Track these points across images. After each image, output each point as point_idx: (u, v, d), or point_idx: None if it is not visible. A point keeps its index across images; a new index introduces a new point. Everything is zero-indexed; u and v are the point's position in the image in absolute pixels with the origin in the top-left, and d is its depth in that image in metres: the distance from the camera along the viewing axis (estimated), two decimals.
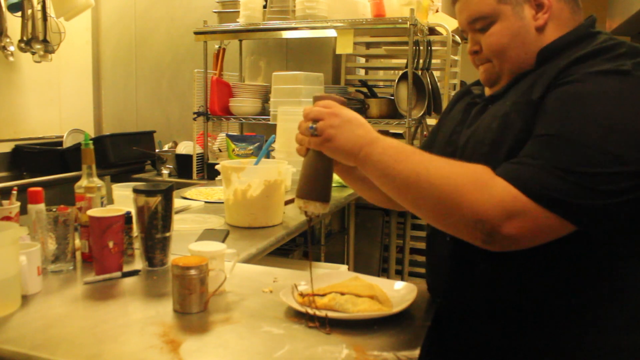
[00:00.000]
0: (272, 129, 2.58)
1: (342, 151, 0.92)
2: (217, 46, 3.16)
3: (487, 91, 1.10)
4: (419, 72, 2.68)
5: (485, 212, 0.81)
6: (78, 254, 1.26)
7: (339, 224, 3.21)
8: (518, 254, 0.86)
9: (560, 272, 0.91)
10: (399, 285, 1.07)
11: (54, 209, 1.19)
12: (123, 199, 1.45)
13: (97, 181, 1.31)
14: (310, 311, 0.94)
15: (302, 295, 0.99)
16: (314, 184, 0.95)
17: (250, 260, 1.41)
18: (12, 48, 2.97)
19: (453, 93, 3.25)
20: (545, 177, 0.80)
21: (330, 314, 0.93)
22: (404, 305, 0.97)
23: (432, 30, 2.91)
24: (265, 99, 3.04)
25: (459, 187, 0.83)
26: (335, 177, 2.86)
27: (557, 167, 0.80)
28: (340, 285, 1.01)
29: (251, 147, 2.73)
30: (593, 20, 1.00)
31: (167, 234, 1.22)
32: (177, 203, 1.68)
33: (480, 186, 0.82)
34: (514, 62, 0.99)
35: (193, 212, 1.88)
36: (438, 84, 2.83)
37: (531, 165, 0.82)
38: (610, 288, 0.91)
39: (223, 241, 1.44)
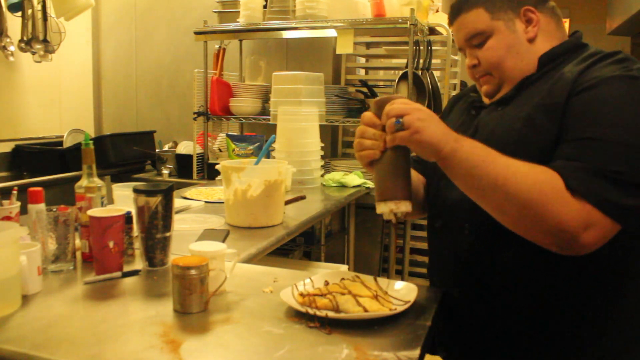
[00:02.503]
0: (272, 129, 2.58)
1: (429, 144, 0.92)
2: (217, 46, 3.16)
3: (487, 101, 1.16)
4: (419, 72, 2.68)
5: (567, 223, 0.87)
6: (78, 254, 1.26)
7: (339, 224, 3.21)
8: (540, 247, 0.91)
9: (584, 263, 0.94)
10: (399, 285, 1.07)
11: (54, 209, 1.19)
12: (123, 199, 1.45)
13: (97, 181, 1.31)
14: (311, 311, 0.94)
15: (302, 295, 0.99)
16: (401, 182, 0.96)
17: (250, 260, 1.41)
18: (12, 48, 2.97)
19: (453, 93, 3.25)
20: (600, 182, 0.87)
21: (331, 314, 0.93)
22: (404, 306, 0.97)
23: (432, 30, 2.91)
24: (266, 99, 3.04)
25: (543, 195, 0.88)
26: (336, 177, 2.85)
27: (607, 170, 0.87)
28: (341, 285, 1.01)
29: (251, 147, 2.73)
30: (581, 34, 1.12)
31: (168, 234, 1.22)
32: (177, 203, 1.68)
33: (561, 197, 0.88)
34: (512, 70, 1.08)
35: (193, 212, 1.88)
36: (438, 84, 2.82)
37: (587, 171, 0.88)
38: (635, 282, 0.96)
39: (223, 241, 1.44)
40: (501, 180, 0.89)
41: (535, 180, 0.89)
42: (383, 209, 0.95)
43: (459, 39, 1.14)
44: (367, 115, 0.98)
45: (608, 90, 0.93)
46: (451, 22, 1.15)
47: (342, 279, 1.05)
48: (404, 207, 0.94)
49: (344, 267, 2.35)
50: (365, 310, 0.93)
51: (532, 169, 0.91)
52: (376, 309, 0.94)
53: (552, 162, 0.92)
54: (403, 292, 1.04)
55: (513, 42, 1.07)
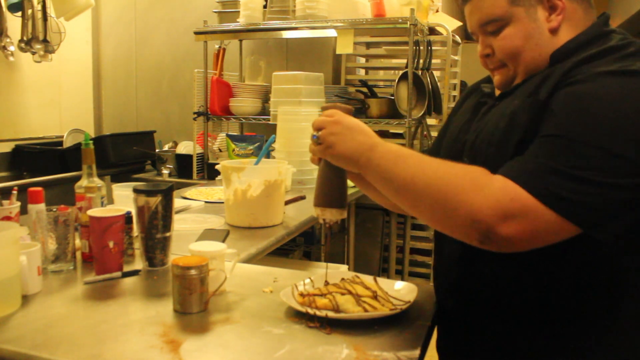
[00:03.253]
0: (272, 129, 2.59)
1: (343, 158, 0.94)
2: (217, 46, 3.16)
3: (498, 91, 1.09)
4: (419, 72, 2.68)
5: (480, 212, 0.80)
6: (78, 254, 1.26)
7: (339, 224, 3.21)
8: (527, 256, 0.85)
9: (571, 274, 0.90)
10: (399, 285, 1.07)
11: (54, 209, 1.19)
12: (123, 199, 1.45)
13: (97, 181, 1.31)
14: (311, 311, 0.94)
15: (302, 295, 0.99)
16: (327, 190, 0.98)
17: (250, 260, 1.41)
18: (12, 48, 2.97)
19: (454, 93, 3.25)
20: (547, 175, 0.79)
21: (330, 314, 0.93)
22: (404, 306, 0.97)
23: (432, 30, 2.91)
24: (265, 99, 3.04)
25: (455, 187, 0.83)
26: None
27: (559, 165, 0.79)
28: (341, 285, 1.01)
29: (251, 147, 2.73)
30: (606, 18, 0.98)
31: (167, 234, 1.22)
32: (177, 203, 1.68)
33: (477, 186, 0.82)
34: (529, 64, 0.98)
35: (193, 212, 1.88)
36: (438, 84, 2.83)
37: (533, 163, 0.82)
38: (622, 290, 0.91)
39: (223, 241, 1.44)
40: (409, 179, 0.87)
41: (448, 174, 0.85)
42: (315, 212, 0.99)
43: (471, 23, 1.03)
44: (315, 121, 0.98)
45: (593, 86, 0.83)
46: (464, 2, 1.03)
47: (342, 279, 1.05)
48: (330, 215, 0.98)
49: (344, 267, 2.35)
50: (366, 311, 0.93)
51: (446, 165, 0.87)
52: (376, 309, 0.94)
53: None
54: (403, 292, 1.04)
55: (533, 32, 0.96)
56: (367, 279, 1.06)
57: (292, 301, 0.98)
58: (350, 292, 0.97)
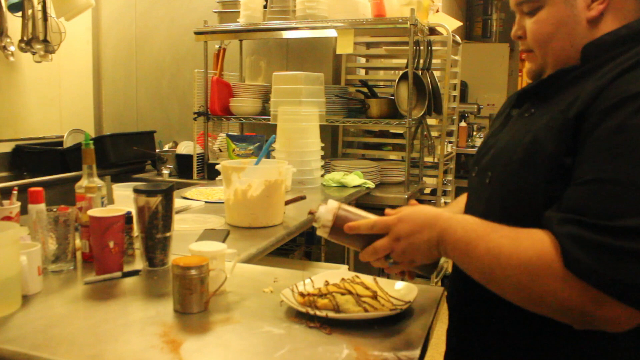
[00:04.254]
0: (272, 129, 2.59)
1: (425, 258, 0.92)
2: (217, 46, 3.16)
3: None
4: (420, 72, 2.68)
5: (570, 301, 0.74)
6: (78, 254, 1.26)
7: None
8: None
9: None
10: (399, 285, 1.07)
11: (55, 209, 1.19)
12: (123, 199, 1.45)
13: (97, 181, 1.31)
14: (311, 311, 0.94)
15: (302, 295, 0.99)
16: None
17: (250, 260, 1.41)
18: (12, 48, 2.97)
19: (453, 93, 3.25)
20: (614, 262, 0.70)
21: (331, 315, 0.93)
22: (404, 306, 0.97)
23: (432, 30, 2.91)
24: (266, 99, 3.04)
25: (535, 277, 0.77)
26: (336, 177, 2.86)
27: (615, 225, 0.71)
28: (341, 285, 1.01)
29: (251, 147, 2.73)
30: None
31: (168, 234, 1.22)
32: (178, 203, 1.68)
33: (556, 273, 0.74)
34: (558, 55, 0.90)
35: (193, 212, 1.88)
36: (438, 84, 2.83)
37: (593, 243, 0.72)
38: None
39: (223, 241, 1.44)
40: (487, 271, 0.82)
41: (522, 261, 0.77)
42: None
43: None
44: (369, 251, 0.96)
45: (633, 111, 0.74)
46: None
47: (342, 279, 1.05)
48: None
49: (343, 267, 2.35)
50: (366, 311, 0.93)
51: (517, 247, 0.79)
52: (376, 309, 0.94)
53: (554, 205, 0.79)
54: (403, 292, 1.04)
55: (567, 19, 0.87)
56: (367, 279, 1.06)
57: (292, 301, 0.98)
58: (350, 292, 0.97)
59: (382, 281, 1.06)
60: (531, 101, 0.95)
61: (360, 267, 3.05)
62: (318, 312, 0.94)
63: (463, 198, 1.17)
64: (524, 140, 0.87)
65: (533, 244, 0.78)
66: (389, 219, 0.93)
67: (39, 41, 3.06)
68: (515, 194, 0.88)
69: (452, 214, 0.90)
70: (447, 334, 1.09)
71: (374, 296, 0.97)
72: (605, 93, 0.79)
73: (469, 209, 1.05)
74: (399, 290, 1.04)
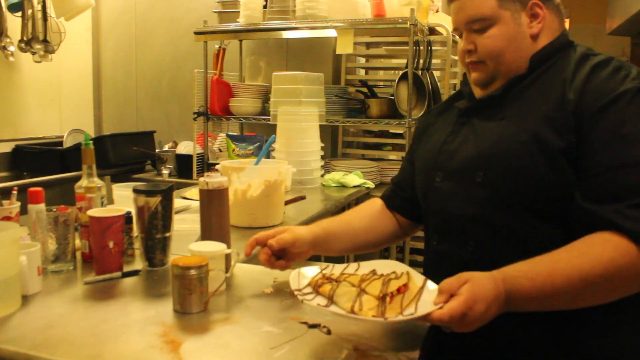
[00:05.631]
0: (272, 129, 2.59)
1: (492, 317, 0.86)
2: (217, 46, 3.16)
3: (477, 92, 1.12)
4: (419, 72, 2.68)
5: None
6: (78, 254, 1.26)
7: None
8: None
9: None
10: (433, 286, 0.91)
11: (54, 209, 1.19)
12: (123, 199, 1.45)
13: (97, 181, 1.31)
14: (300, 295, 0.90)
15: (323, 277, 0.94)
16: None
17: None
18: (12, 48, 2.97)
19: (453, 93, 3.25)
20: None
21: (307, 303, 0.88)
22: (397, 318, 0.84)
23: (432, 30, 2.91)
24: (266, 99, 3.04)
25: (625, 271, 0.84)
26: (336, 177, 2.85)
27: None
28: (365, 277, 0.93)
29: (251, 147, 2.73)
30: (567, 31, 1.09)
31: (167, 234, 1.22)
32: (177, 203, 1.68)
33: (633, 277, 0.85)
34: (509, 65, 1.04)
35: (193, 212, 1.88)
36: (438, 84, 2.82)
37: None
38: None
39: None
40: (576, 295, 0.86)
41: (606, 267, 0.84)
42: None
43: (458, 19, 1.09)
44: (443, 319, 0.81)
45: (627, 106, 0.91)
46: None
47: (373, 271, 0.96)
48: None
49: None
50: (352, 310, 0.85)
51: (591, 259, 0.85)
52: (361, 311, 0.84)
53: (586, 194, 0.90)
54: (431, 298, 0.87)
55: (516, 35, 1.03)
56: (415, 279, 0.93)
57: (295, 280, 0.95)
58: (358, 287, 0.89)
59: (428, 289, 0.91)
60: (491, 108, 1.06)
61: None
62: (308, 299, 0.88)
63: (345, 217, 1.28)
64: (521, 138, 0.97)
65: (603, 247, 0.86)
66: (460, 305, 0.80)
67: (38, 41, 3.06)
68: (519, 189, 0.96)
69: (495, 272, 0.85)
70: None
71: (381, 297, 0.86)
72: (589, 92, 0.94)
73: (441, 213, 1.08)
74: (431, 293, 0.89)
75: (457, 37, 1.14)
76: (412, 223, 1.28)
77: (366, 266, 1.00)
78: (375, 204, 1.31)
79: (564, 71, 0.99)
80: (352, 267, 1.00)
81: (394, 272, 0.95)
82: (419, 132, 1.26)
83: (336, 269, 0.99)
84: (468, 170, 1.03)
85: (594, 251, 0.85)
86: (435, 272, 1.03)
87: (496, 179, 0.98)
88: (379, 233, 1.26)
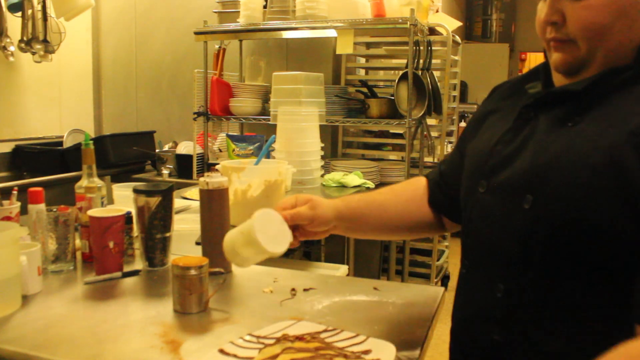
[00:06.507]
0: (272, 129, 2.58)
1: None
2: (217, 46, 3.16)
3: (558, 78, 0.83)
4: (419, 72, 2.68)
5: None
6: (78, 254, 1.26)
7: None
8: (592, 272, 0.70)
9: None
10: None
11: (55, 209, 1.18)
12: (123, 199, 1.45)
13: (97, 181, 1.31)
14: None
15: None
16: None
17: None
18: (12, 48, 2.97)
19: (453, 93, 3.25)
20: None
21: None
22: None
23: (432, 30, 2.91)
24: (266, 99, 3.04)
25: None
26: (336, 177, 2.85)
27: None
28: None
29: (251, 147, 2.73)
30: None
31: (167, 234, 1.22)
32: (177, 203, 1.68)
33: None
34: (612, 50, 0.75)
35: (193, 212, 1.88)
36: (438, 84, 2.83)
37: None
38: None
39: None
40: None
41: None
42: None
43: None
44: None
45: None
46: None
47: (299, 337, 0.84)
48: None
49: (343, 268, 2.35)
50: None
51: None
52: None
53: None
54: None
55: (629, 10, 0.72)
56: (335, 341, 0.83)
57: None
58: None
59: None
60: (566, 105, 0.78)
61: (360, 268, 3.05)
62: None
63: (381, 194, 1.02)
64: (592, 159, 0.70)
65: None
66: None
67: (38, 41, 3.06)
68: (576, 231, 0.71)
69: None
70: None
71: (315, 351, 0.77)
72: None
73: (477, 234, 0.85)
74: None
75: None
76: (455, 224, 1.03)
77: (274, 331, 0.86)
78: (418, 186, 1.05)
79: None
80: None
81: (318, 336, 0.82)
82: (476, 118, 0.97)
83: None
84: (516, 188, 0.78)
85: None
86: (462, 305, 0.90)
87: (548, 209, 0.74)
88: (413, 222, 1.03)
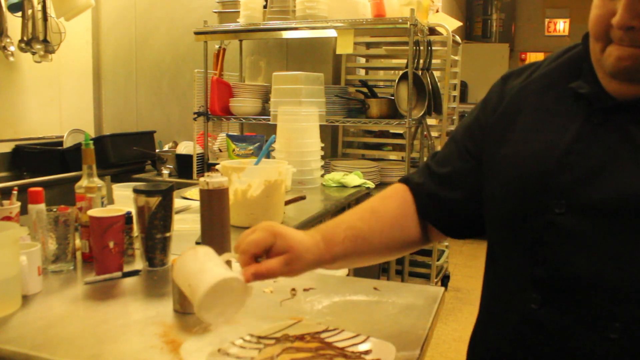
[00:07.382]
0: (272, 129, 2.58)
1: None
2: (217, 46, 3.16)
3: (612, 85, 0.71)
4: (419, 72, 2.68)
5: None
6: (78, 254, 1.26)
7: None
8: None
9: None
10: (364, 346, 0.82)
11: (55, 209, 1.19)
12: (123, 199, 1.45)
13: (97, 181, 1.31)
14: None
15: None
16: None
17: None
18: (12, 48, 2.97)
19: (453, 93, 3.25)
20: None
21: None
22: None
23: (432, 30, 2.91)
24: (266, 99, 3.04)
25: None
26: (336, 177, 2.85)
27: None
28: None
29: (251, 147, 2.73)
30: None
31: (168, 234, 1.22)
32: (177, 203, 1.68)
33: None
34: None
35: (193, 212, 1.88)
36: (438, 84, 2.83)
37: None
38: None
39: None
40: None
41: None
42: None
43: None
44: None
45: None
46: None
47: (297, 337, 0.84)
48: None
49: (340, 273, 2.36)
50: None
51: None
52: None
53: None
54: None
55: None
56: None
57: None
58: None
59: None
60: (634, 112, 0.70)
61: (360, 268, 3.05)
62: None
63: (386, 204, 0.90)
64: None
65: None
66: None
67: (39, 41, 3.06)
68: None
69: None
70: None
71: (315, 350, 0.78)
72: None
73: (561, 267, 0.72)
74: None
75: None
76: (443, 235, 0.93)
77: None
78: (400, 201, 0.92)
79: None
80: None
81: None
82: (498, 119, 0.83)
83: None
84: (627, 210, 0.67)
85: None
86: (518, 350, 0.76)
87: None
88: (397, 245, 0.92)
